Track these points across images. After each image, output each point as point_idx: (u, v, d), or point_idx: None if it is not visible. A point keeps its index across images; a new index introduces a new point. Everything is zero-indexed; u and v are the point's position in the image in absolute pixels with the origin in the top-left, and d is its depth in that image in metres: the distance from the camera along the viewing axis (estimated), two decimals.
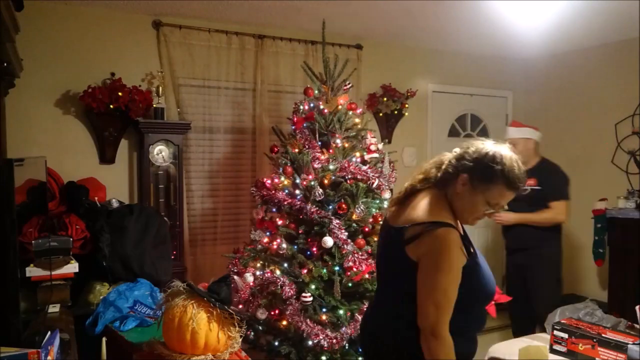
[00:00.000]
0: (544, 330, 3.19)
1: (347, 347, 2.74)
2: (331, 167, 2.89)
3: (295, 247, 2.86)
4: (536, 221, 3.56)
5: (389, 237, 1.73)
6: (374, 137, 3.16)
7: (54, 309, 2.44)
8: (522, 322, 3.71)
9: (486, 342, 4.03)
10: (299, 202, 2.84)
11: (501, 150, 1.68)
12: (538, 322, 3.53)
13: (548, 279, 3.65)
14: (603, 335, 2.37)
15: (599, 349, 2.33)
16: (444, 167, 1.72)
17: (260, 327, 2.88)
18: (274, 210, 3.01)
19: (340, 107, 3.05)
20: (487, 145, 1.68)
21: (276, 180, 2.97)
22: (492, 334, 4.53)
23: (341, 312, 2.71)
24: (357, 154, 2.99)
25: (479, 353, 1.78)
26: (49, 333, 1.71)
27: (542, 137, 3.83)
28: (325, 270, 2.74)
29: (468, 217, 1.72)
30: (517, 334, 3.52)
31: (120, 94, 3.45)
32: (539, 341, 2.67)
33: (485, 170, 1.64)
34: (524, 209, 3.50)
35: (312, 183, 2.82)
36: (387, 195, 3.04)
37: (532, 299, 3.63)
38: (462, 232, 1.71)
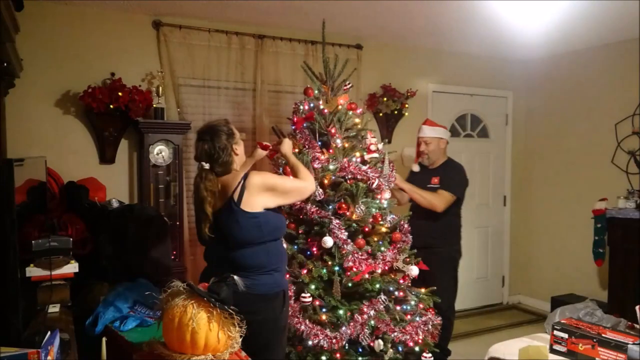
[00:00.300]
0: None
1: (347, 347, 2.74)
2: (331, 167, 2.89)
3: (295, 247, 2.86)
4: (417, 194, 3.60)
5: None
6: (374, 137, 3.16)
7: (54, 309, 2.44)
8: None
9: (486, 342, 4.04)
10: (298, 202, 2.83)
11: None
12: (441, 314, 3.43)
13: (445, 277, 3.69)
14: (603, 335, 2.37)
15: (599, 349, 2.33)
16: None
17: None
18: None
19: (340, 107, 3.05)
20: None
21: None
22: (492, 334, 4.54)
23: (341, 312, 2.71)
24: (357, 154, 2.99)
25: (479, 353, 1.78)
26: (49, 333, 1.71)
27: (450, 138, 3.99)
28: (325, 270, 2.74)
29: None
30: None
31: (120, 94, 3.45)
32: (539, 341, 2.67)
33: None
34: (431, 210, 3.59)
35: None
36: (387, 195, 3.04)
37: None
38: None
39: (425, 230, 3.54)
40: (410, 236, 3.06)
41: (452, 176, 3.74)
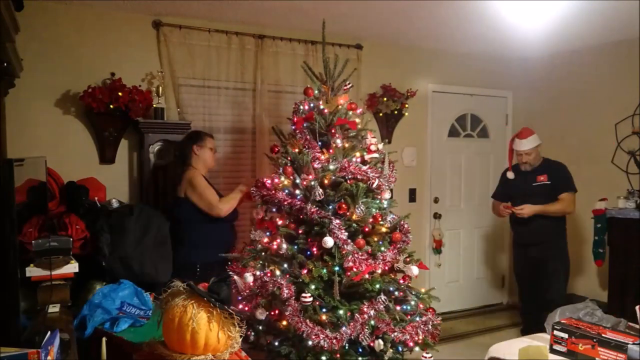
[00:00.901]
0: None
1: (347, 348, 2.74)
2: (331, 167, 2.89)
3: (296, 247, 2.86)
4: (550, 211, 3.91)
5: None
6: (374, 137, 3.16)
7: (54, 309, 2.44)
8: (532, 319, 3.89)
9: (486, 342, 4.04)
10: (299, 202, 2.83)
11: None
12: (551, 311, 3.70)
13: (560, 270, 3.98)
14: (603, 335, 2.37)
15: (599, 349, 2.33)
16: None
17: (260, 327, 2.88)
18: (274, 210, 3.00)
19: (340, 107, 3.05)
20: None
21: (276, 180, 2.97)
22: (492, 333, 4.54)
23: (341, 312, 2.71)
24: (357, 154, 2.99)
25: (479, 353, 1.78)
26: (49, 333, 1.71)
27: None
28: (325, 271, 2.74)
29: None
30: (526, 331, 3.58)
31: (120, 94, 3.45)
32: (539, 341, 2.67)
33: None
34: (535, 202, 3.90)
35: (312, 183, 2.82)
36: (387, 195, 3.04)
37: (545, 291, 3.91)
38: None
39: (538, 225, 3.92)
40: (410, 236, 3.05)
41: (562, 176, 4.00)
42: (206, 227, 3.36)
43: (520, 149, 4.00)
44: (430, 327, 2.88)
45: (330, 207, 2.84)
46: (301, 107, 3.09)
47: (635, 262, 3.99)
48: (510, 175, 4.17)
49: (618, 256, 4.19)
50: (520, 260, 4.22)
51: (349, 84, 3.13)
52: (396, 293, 2.89)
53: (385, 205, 3.02)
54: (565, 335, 2.46)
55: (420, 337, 2.84)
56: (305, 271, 2.76)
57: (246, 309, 2.87)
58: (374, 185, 2.91)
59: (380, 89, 4.62)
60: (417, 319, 2.88)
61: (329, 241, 2.72)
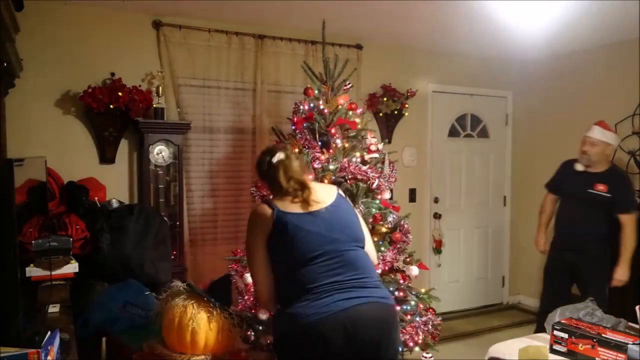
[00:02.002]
0: None
1: None
2: (331, 167, 2.89)
3: None
4: (632, 250, 3.61)
5: None
6: (374, 137, 3.16)
7: (54, 309, 2.44)
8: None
9: (486, 342, 4.03)
10: None
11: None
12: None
13: (600, 277, 3.71)
14: (603, 335, 2.37)
15: (599, 349, 2.33)
16: None
17: (261, 327, 2.87)
18: None
19: (340, 107, 3.05)
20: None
21: None
22: (492, 333, 4.54)
23: None
24: (357, 154, 2.98)
25: (479, 353, 1.78)
26: (49, 333, 1.71)
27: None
28: None
29: None
30: (540, 329, 3.48)
31: (120, 94, 3.45)
32: (539, 341, 2.67)
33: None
34: (588, 210, 3.64)
35: None
36: (387, 195, 3.04)
37: (584, 296, 3.65)
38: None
39: (581, 230, 3.67)
40: (410, 236, 3.05)
41: (625, 191, 3.66)
42: None
43: (589, 134, 3.65)
44: (430, 327, 2.88)
45: None
46: (301, 107, 3.09)
47: (635, 262, 3.99)
48: (579, 167, 3.74)
49: (618, 256, 4.18)
50: (555, 263, 3.91)
51: (349, 84, 3.13)
52: (396, 293, 2.89)
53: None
54: (565, 335, 2.46)
55: (420, 337, 2.84)
56: None
57: (252, 311, 2.87)
58: (374, 185, 2.91)
59: (380, 89, 4.61)
60: (417, 319, 2.88)
61: None
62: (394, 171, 3.09)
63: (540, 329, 3.60)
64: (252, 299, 2.83)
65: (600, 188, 3.61)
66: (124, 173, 3.78)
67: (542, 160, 5.35)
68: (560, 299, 3.66)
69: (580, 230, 3.70)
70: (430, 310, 2.97)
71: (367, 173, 2.89)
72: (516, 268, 5.60)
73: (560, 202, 3.91)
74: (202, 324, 1.84)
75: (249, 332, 2.80)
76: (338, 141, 2.96)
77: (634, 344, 2.25)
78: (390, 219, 3.00)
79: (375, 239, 2.91)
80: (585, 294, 3.67)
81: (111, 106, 3.44)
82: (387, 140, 4.65)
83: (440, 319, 2.98)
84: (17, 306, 1.89)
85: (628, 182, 3.76)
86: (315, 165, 2.88)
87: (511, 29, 4.12)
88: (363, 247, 2.02)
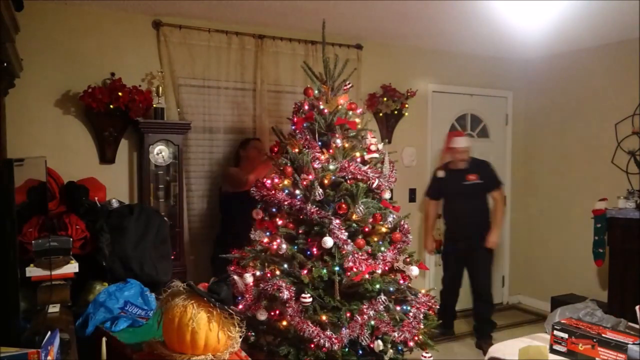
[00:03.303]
0: (485, 307, 4.35)
1: (347, 349, 2.74)
2: (331, 167, 2.89)
3: (295, 247, 2.86)
4: (502, 219, 4.40)
5: None
6: (374, 137, 3.16)
7: (54, 309, 2.44)
8: (452, 310, 4.54)
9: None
10: (299, 202, 2.83)
11: None
12: (482, 300, 4.39)
13: (489, 260, 4.39)
14: (603, 335, 2.37)
15: (599, 349, 2.33)
16: None
17: (260, 328, 2.88)
18: (274, 210, 3.00)
19: (340, 107, 3.05)
20: None
21: (276, 180, 2.97)
22: (492, 333, 4.53)
23: (341, 312, 2.71)
24: (357, 154, 2.98)
25: (479, 353, 1.79)
26: (49, 333, 1.71)
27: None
28: (325, 271, 2.74)
29: None
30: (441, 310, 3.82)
31: (120, 94, 3.45)
32: (539, 341, 2.67)
33: None
34: (468, 201, 4.28)
35: (312, 183, 2.82)
36: (387, 195, 3.04)
37: (475, 280, 4.40)
38: None
39: (470, 220, 4.28)
40: (410, 236, 3.06)
41: (491, 174, 4.38)
42: None
43: (460, 146, 4.31)
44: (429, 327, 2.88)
45: (330, 207, 2.84)
46: (301, 107, 3.09)
47: (635, 262, 3.99)
48: (441, 174, 4.44)
49: (618, 256, 4.19)
50: (447, 253, 4.52)
51: (349, 84, 3.13)
52: (396, 293, 2.89)
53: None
54: (565, 335, 2.45)
55: (421, 337, 2.84)
56: (305, 271, 2.76)
57: (250, 312, 2.87)
58: (374, 185, 2.91)
59: (380, 89, 4.61)
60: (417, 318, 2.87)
61: (328, 241, 2.72)
62: (394, 171, 3.09)
63: (441, 310, 3.83)
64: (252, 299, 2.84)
65: (472, 178, 4.26)
66: (124, 173, 3.78)
67: (542, 160, 5.36)
68: (457, 282, 4.47)
69: (464, 220, 4.28)
70: (431, 310, 2.97)
71: (367, 173, 2.89)
72: (516, 268, 5.60)
73: (443, 203, 4.49)
74: (202, 324, 1.84)
75: (249, 333, 2.81)
76: (338, 141, 2.96)
77: (634, 344, 2.25)
78: (390, 219, 3.00)
79: (375, 239, 2.91)
80: (475, 280, 4.36)
81: (111, 106, 3.44)
82: (387, 140, 4.65)
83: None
84: (17, 306, 1.89)
85: (490, 166, 4.44)
86: (315, 165, 2.88)
87: (511, 29, 4.13)
88: None
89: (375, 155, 3.03)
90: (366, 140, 3.09)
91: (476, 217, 4.29)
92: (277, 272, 2.78)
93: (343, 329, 2.67)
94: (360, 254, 2.75)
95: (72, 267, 2.59)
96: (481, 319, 4.41)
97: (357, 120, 3.13)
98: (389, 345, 2.78)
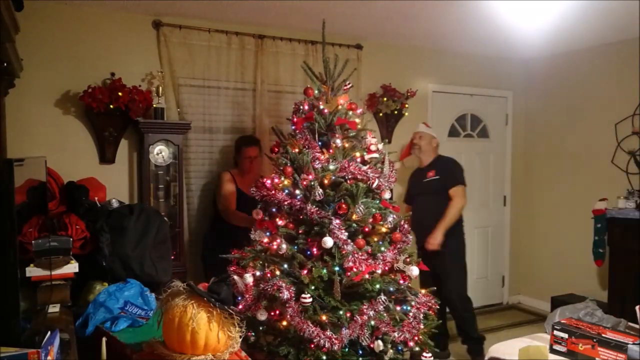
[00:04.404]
0: (463, 321, 3.98)
1: (347, 349, 2.73)
2: (331, 167, 2.88)
3: (295, 247, 2.86)
4: (451, 219, 3.91)
5: None
6: (374, 137, 3.16)
7: (54, 309, 2.44)
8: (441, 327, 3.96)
9: (486, 342, 4.03)
10: (299, 203, 2.83)
11: None
12: (451, 307, 4.05)
13: (456, 266, 4.03)
14: (603, 335, 2.37)
15: (599, 349, 2.33)
16: None
17: (260, 328, 2.88)
18: (274, 210, 3.00)
19: (340, 107, 3.04)
20: None
21: (276, 180, 2.97)
22: (492, 333, 4.53)
23: (341, 312, 2.71)
24: (357, 154, 2.98)
25: None
26: (49, 333, 1.71)
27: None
28: (325, 271, 2.73)
29: None
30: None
31: (120, 94, 3.45)
32: (539, 341, 2.67)
33: None
34: (428, 199, 4.04)
35: (312, 183, 2.81)
36: (387, 195, 3.03)
37: (444, 287, 3.90)
38: None
39: (432, 224, 3.90)
40: (411, 236, 3.06)
41: (450, 170, 4.06)
42: None
43: (417, 130, 4.19)
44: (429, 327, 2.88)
45: (330, 207, 2.84)
46: (301, 107, 3.09)
47: (635, 262, 3.99)
48: (397, 165, 4.28)
49: (618, 256, 4.20)
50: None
51: (349, 84, 3.13)
52: (396, 293, 2.89)
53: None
54: (565, 335, 2.46)
55: (421, 337, 2.84)
56: (305, 271, 2.76)
57: (250, 312, 2.87)
58: (374, 185, 2.91)
59: (380, 89, 4.61)
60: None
61: (328, 241, 2.71)
62: (393, 171, 3.09)
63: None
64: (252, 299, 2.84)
65: (430, 175, 4.05)
66: (124, 173, 3.78)
67: (542, 160, 5.36)
68: (432, 282, 3.90)
69: (425, 220, 3.96)
70: (431, 310, 2.97)
71: (367, 173, 2.88)
72: (516, 268, 5.60)
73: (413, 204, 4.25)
74: (202, 324, 1.84)
75: (249, 333, 2.81)
76: (338, 141, 2.96)
77: (634, 344, 2.25)
78: (390, 219, 3.00)
79: (375, 239, 2.91)
80: (444, 287, 3.90)
81: (111, 106, 3.44)
82: (387, 140, 4.64)
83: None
84: (17, 306, 1.89)
85: (453, 163, 4.14)
86: (315, 165, 2.88)
87: (511, 29, 4.13)
88: None
89: (375, 155, 3.03)
90: (366, 140, 3.09)
91: (438, 216, 3.93)
92: (277, 272, 2.78)
93: (343, 329, 2.66)
94: (360, 254, 2.75)
95: (72, 267, 2.59)
96: (466, 337, 4.07)
97: (357, 120, 3.13)
98: (389, 346, 2.78)
